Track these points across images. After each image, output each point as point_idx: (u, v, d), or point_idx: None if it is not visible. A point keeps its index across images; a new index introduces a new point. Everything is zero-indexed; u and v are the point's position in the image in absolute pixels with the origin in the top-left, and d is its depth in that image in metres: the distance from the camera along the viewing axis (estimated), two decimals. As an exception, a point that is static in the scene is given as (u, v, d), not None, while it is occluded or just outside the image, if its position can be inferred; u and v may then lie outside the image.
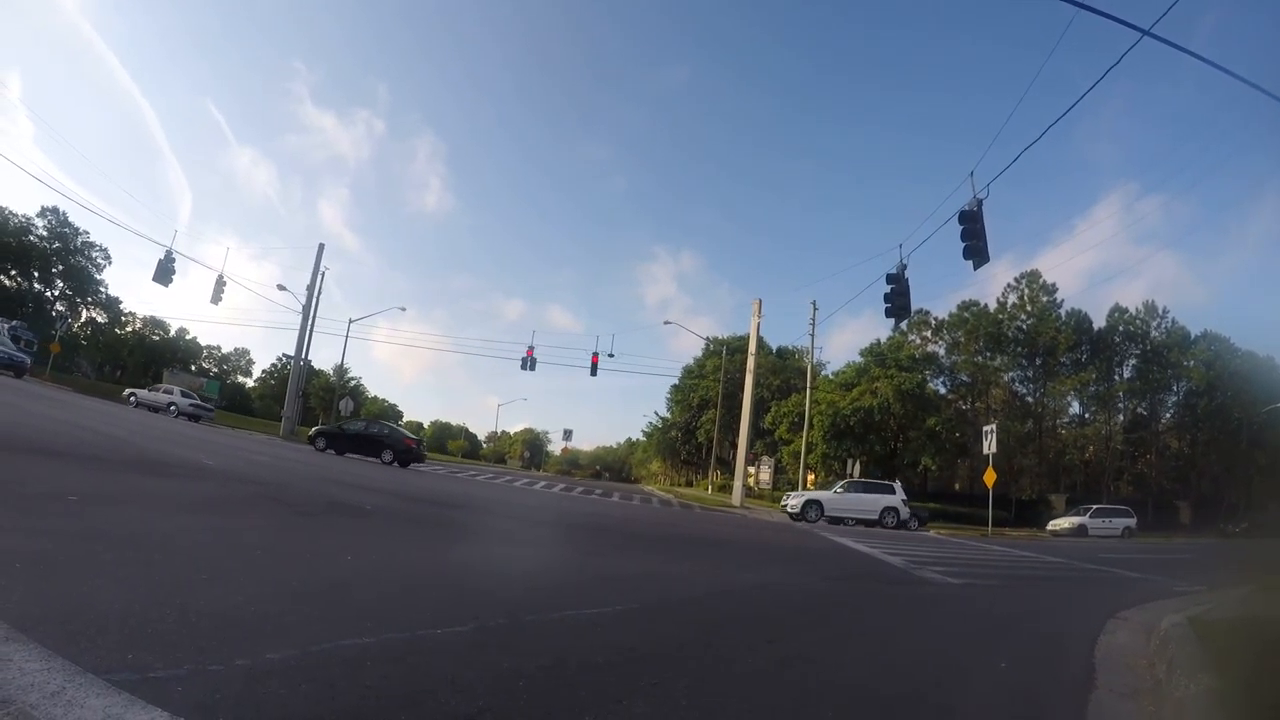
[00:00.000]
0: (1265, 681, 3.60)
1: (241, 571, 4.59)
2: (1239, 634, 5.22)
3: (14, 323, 34.45)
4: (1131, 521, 36.00)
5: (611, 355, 41.26)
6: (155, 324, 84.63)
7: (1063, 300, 58.45)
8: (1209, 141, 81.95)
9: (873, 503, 26.83)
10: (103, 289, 70.95)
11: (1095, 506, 37.59)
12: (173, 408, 33.18)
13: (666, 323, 78.75)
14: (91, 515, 5.54)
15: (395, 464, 24.20)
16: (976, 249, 14.41)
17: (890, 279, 17.53)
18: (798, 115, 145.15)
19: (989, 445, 28.98)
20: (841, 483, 29.37)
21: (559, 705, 2.86)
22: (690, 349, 78.53)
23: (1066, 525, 35.79)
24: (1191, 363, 56.08)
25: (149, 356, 79.10)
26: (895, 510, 26.63)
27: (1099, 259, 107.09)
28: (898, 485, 28.53)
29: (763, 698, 3.41)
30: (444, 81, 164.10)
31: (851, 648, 5.02)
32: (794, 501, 27.31)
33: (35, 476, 6.97)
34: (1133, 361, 58.84)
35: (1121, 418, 60.31)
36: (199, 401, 36.66)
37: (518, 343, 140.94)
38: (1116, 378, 58.90)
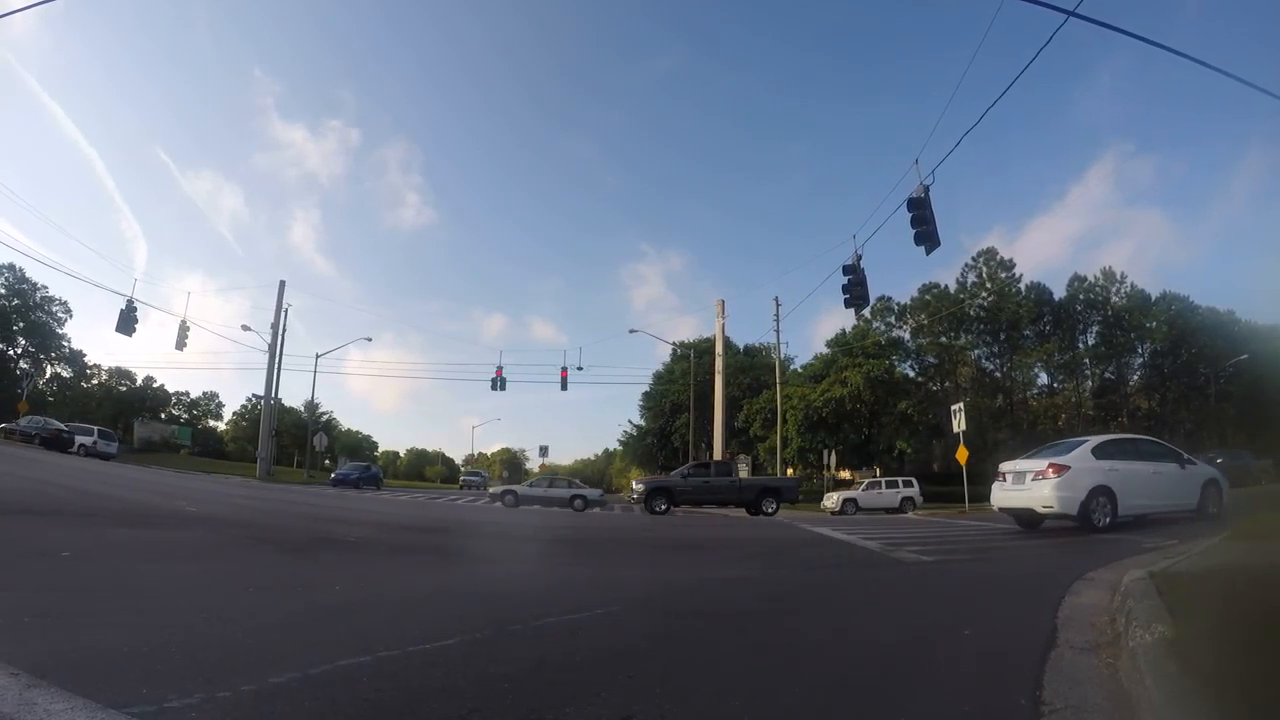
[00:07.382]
0: (1220, 629, 3.67)
1: (238, 608, 4.83)
2: (1199, 584, 5.29)
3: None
4: None
5: (580, 368, 41.20)
6: (122, 375, 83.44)
7: (1021, 275, 60.00)
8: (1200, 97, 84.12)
9: None
10: (66, 343, 70.05)
11: None
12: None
13: (632, 331, 77.84)
14: (87, 569, 5.80)
15: None
16: (927, 234, 14.82)
17: (846, 270, 17.91)
18: (786, 98, 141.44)
19: (958, 423, 29.61)
20: None
21: (541, 701, 3.13)
22: (665, 354, 79.05)
23: None
24: (1153, 324, 57.57)
25: (117, 408, 77.79)
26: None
27: (1088, 224, 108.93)
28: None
29: (728, 682, 3.69)
30: (415, 89, 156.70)
31: (818, 634, 5.18)
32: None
33: (24, 537, 7.14)
34: (1096, 328, 60.39)
35: (1090, 384, 61.79)
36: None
37: (491, 363, 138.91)
38: (1081, 345, 60.36)
